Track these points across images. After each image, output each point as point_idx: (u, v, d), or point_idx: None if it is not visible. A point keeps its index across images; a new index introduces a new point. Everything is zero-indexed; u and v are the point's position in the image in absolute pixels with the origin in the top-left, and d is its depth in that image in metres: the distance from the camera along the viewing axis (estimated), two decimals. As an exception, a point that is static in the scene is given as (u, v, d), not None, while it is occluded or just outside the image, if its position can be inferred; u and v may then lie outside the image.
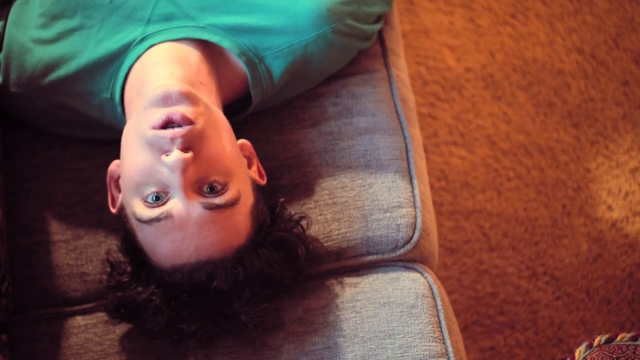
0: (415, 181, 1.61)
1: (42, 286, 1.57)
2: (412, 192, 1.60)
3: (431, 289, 1.55)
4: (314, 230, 1.57)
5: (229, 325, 1.47)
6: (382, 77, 1.68)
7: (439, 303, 1.54)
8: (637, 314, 2.03)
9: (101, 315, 1.55)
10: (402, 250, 1.58)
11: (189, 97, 1.41)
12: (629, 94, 2.18)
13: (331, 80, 1.66)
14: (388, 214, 1.58)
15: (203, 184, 1.41)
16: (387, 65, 1.70)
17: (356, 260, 1.58)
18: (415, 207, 1.59)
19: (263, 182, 1.52)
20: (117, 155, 1.49)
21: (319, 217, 1.58)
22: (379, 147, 1.62)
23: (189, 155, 1.37)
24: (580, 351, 1.53)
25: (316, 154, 1.62)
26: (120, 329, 1.54)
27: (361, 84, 1.66)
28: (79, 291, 1.58)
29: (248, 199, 1.45)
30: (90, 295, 1.58)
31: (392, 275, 1.56)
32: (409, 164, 1.62)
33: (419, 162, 1.65)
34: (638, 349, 1.50)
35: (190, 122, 1.39)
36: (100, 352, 1.53)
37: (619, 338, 1.52)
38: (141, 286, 1.45)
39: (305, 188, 1.60)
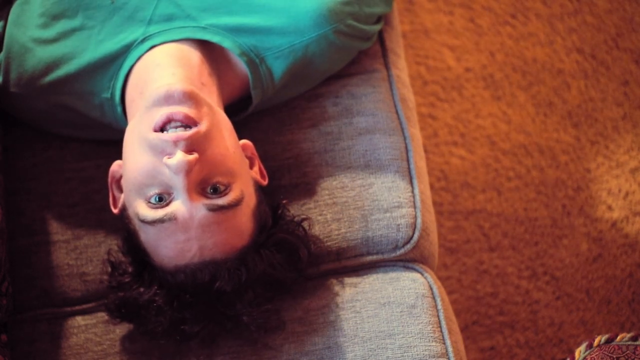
0: (415, 181, 1.61)
1: (42, 286, 1.57)
2: (412, 192, 1.60)
3: (431, 289, 1.55)
4: (314, 230, 1.56)
5: (231, 326, 1.47)
6: (382, 77, 1.68)
7: (439, 303, 1.54)
8: (637, 314, 2.03)
9: (101, 315, 1.55)
10: (402, 250, 1.58)
11: (192, 98, 1.41)
12: (629, 94, 2.18)
13: (331, 80, 1.66)
14: (388, 214, 1.58)
15: (206, 184, 1.40)
16: (387, 65, 1.70)
17: (356, 260, 1.58)
18: (415, 207, 1.59)
19: (265, 182, 1.52)
20: (117, 155, 1.49)
21: (319, 217, 1.58)
22: (379, 147, 1.61)
23: (193, 157, 1.37)
24: (580, 351, 1.53)
25: (316, 154, 1.62)
26: (121, 329, 1.54)
27: (361, 84, 1.66)
28: (79, 291, 1.58)
29: (251, 200, 1.45)
30: (90, 295, 1.58)
31: (392, 275, 1.56)
32: (409, 164, 1.62)
33: (419, 162, 1.65)
34: (638, 349, 1.50)
35: (194, 122, 1.39)
36: (100, 352, 1.53)
37: (619, 338, 1.52)
38: (143, 287, 1.45)
39: (305, 188, 1.60)
